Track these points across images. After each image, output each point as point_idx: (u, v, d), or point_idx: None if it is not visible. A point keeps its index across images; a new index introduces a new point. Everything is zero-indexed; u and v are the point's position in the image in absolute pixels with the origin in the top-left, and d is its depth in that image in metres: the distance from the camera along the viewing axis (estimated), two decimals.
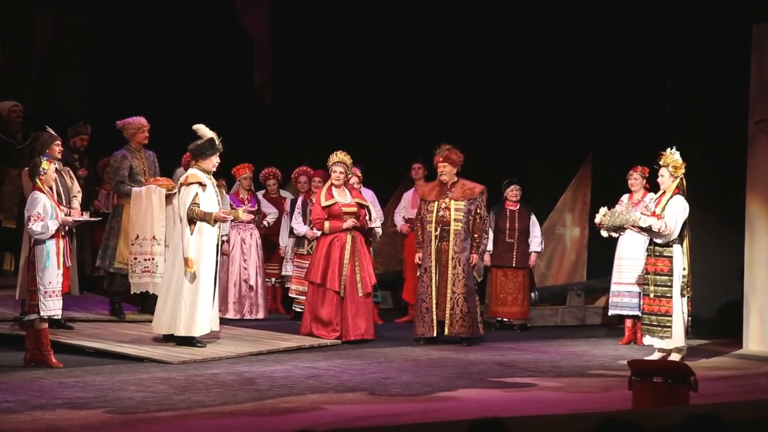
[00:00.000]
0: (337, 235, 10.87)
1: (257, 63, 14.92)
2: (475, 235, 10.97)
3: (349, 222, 10.89)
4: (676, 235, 9.69)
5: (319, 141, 13.35)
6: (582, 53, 13.29)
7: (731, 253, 11.53)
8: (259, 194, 13.05)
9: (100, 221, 10.83)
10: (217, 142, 9.96)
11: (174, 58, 14.35)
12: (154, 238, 10.54)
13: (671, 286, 9.75)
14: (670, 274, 9.75)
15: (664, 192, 9.84)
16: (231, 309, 12.42)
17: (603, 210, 9.96)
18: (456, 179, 10.98)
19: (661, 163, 9.83)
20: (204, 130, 10.03)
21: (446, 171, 10.91)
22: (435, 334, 10.83)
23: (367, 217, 11.19)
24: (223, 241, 12.11)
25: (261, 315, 12.56)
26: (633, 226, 9.90)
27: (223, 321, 11.70)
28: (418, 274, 11.11)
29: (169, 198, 10.67)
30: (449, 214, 10.91)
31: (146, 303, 11.14)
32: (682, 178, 9.80)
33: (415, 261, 11.14)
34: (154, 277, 10.53)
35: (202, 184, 9.82)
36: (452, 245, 10.87)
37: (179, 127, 12.91)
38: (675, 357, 9.76)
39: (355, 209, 10.99)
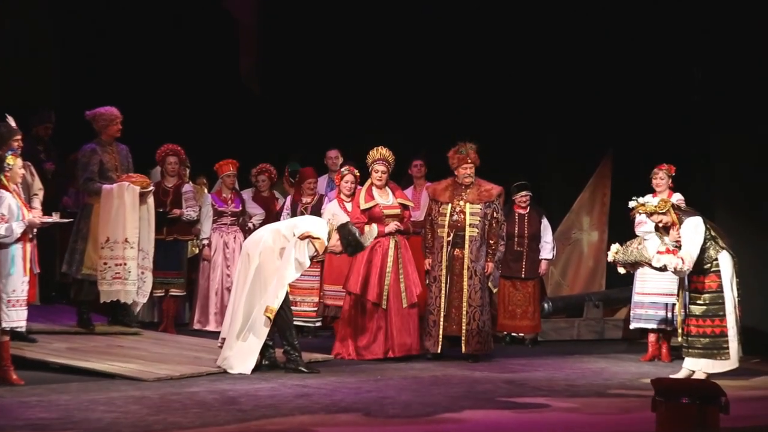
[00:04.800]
0: (378, 241, 10.46)
1: (243, 49, 14.82)
2: (491, 242, 10.66)
3: (392, 226, 10.54)
4: (694, 261, 9.30)
5: (311, 135, 13.32)
6: (599, 40, 13.17)
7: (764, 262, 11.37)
8: (245, 193, 12.67)
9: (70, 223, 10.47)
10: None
11: (151, 43, 13.94)
12: (126, 241, 10.28)
13: (723, 303, 9.47)
14: (719, 290, 9.47)
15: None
16: (212, 320, 12.01)
17: (615, 247, 9.71)
18: (473, 179, 10.70)
19: (641, 212, 9.57)
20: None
21: (471, 173, 10.55)
22: (439, 350, 10.44)
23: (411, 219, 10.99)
24: (203, 245, 12.09)
25: None
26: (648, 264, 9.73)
27: (204, 333, 11.69)
28: (426, 282, 10.74)
29: (143, 196, 10.40)
30: (464, 218, 10.55)
31: (117, 313, 10.88)
32: (671, 207, 9.41)
33: (424, 268, 10.76)
34: (126, 284, 10.31)
35: None
36: (467, 253, 10.50)
37: (155, 119, 13.00)
38: (700, 375, 9.48)
39: (398, 211, 10.60)
